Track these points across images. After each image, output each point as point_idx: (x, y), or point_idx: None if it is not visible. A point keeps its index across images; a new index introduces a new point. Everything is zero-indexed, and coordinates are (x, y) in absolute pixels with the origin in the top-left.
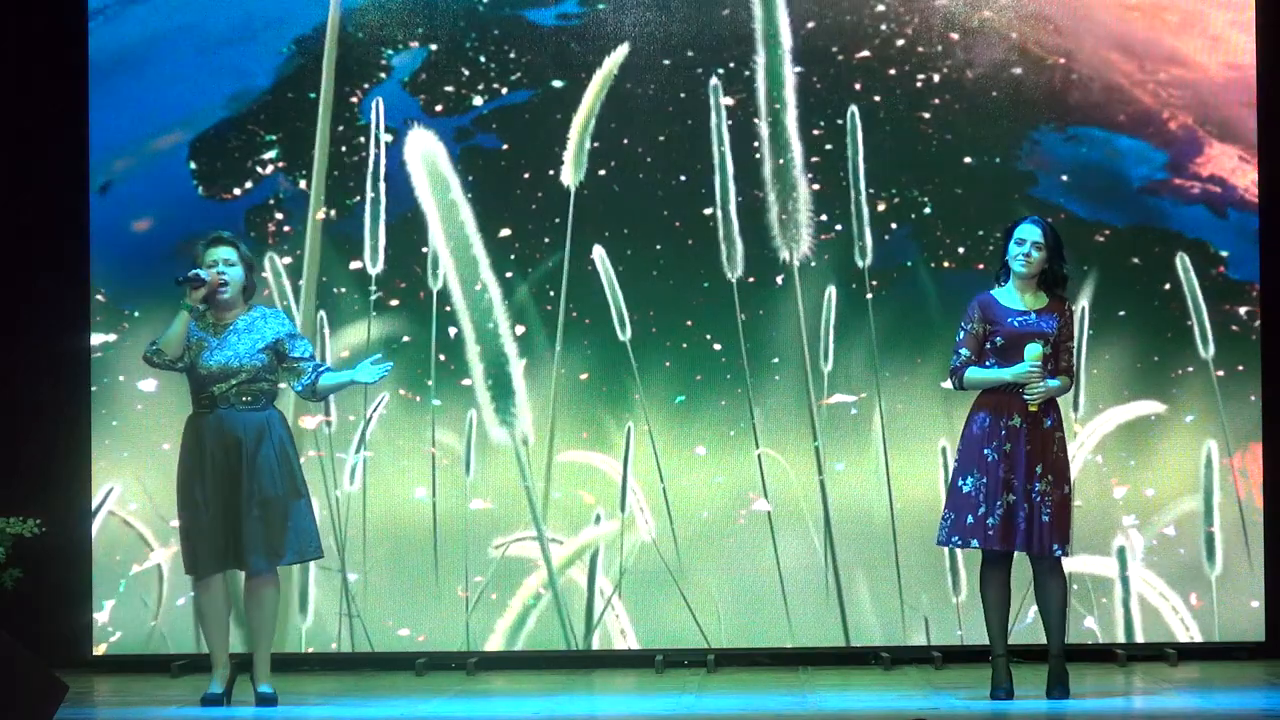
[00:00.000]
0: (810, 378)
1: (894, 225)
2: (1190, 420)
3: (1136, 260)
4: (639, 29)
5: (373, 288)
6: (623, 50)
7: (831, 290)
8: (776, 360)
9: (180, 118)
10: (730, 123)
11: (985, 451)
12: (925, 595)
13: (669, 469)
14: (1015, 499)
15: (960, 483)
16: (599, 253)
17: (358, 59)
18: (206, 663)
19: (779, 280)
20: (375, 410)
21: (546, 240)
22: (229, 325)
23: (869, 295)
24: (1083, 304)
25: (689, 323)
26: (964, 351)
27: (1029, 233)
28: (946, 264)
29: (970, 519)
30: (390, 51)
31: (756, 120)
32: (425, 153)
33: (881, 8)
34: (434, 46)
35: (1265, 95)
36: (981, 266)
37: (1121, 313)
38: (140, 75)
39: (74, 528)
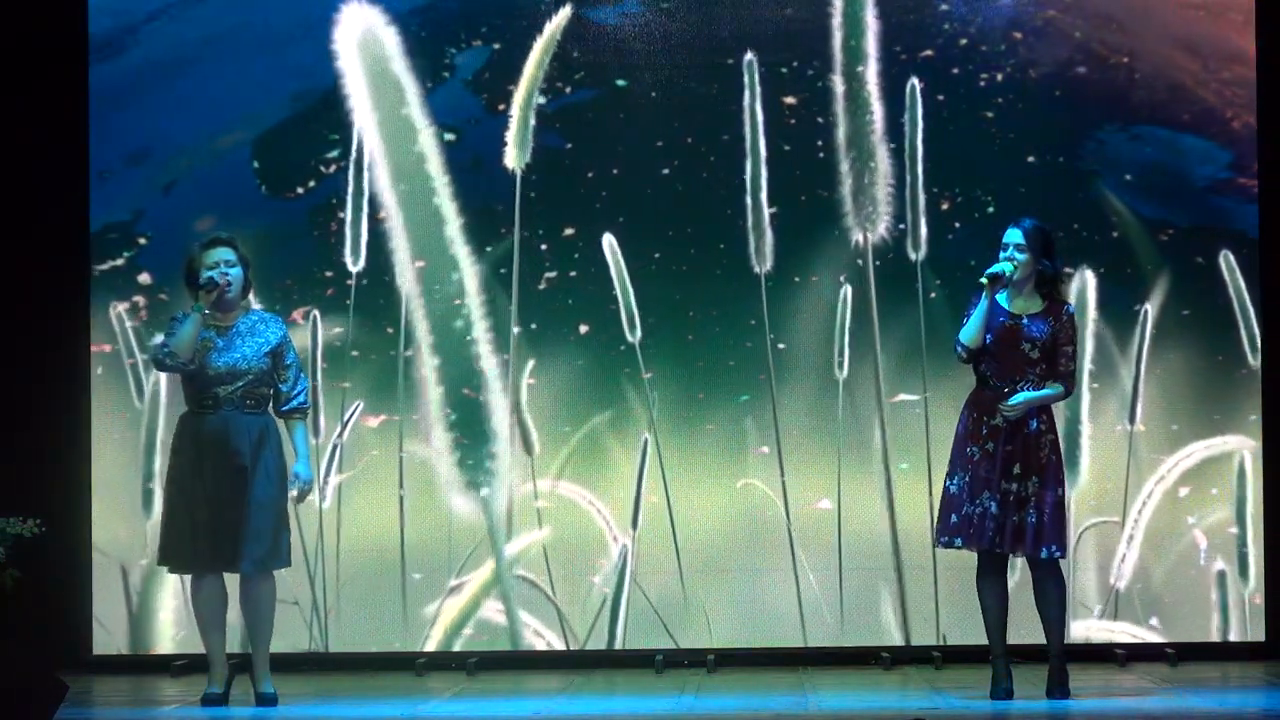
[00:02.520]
0: (880, 378)
1: (957, 224)
2: (1253, 420)
3: (1201, 260)
4: (703, 26)
5: (351, 283)
6: (565, 13)
7: (847, 290)
8: (797, 356)
9: (243, 116)
10: (795, 102)
11: (969, 450)
12: (943, 606)
13: (683, 473)
14: (989, 497)
15: (948, 482)
16: (609, 242)
17: (422, 58)
18: (206, 663)
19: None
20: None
21: (610, 239)
22: (231, 326)
23: (932, 294)
24: (1147, 306)
25: (717, 318)
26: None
27: (1010, 236)
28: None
29: (955, 518)
30: (454, 50)
31: (831, 76)
32: (365, 38)
33: (945, 7)
34: (497, 45)
35: (1265, 94)
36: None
37: (1185, 312)
38: (203, 74)
39: (74, 528)
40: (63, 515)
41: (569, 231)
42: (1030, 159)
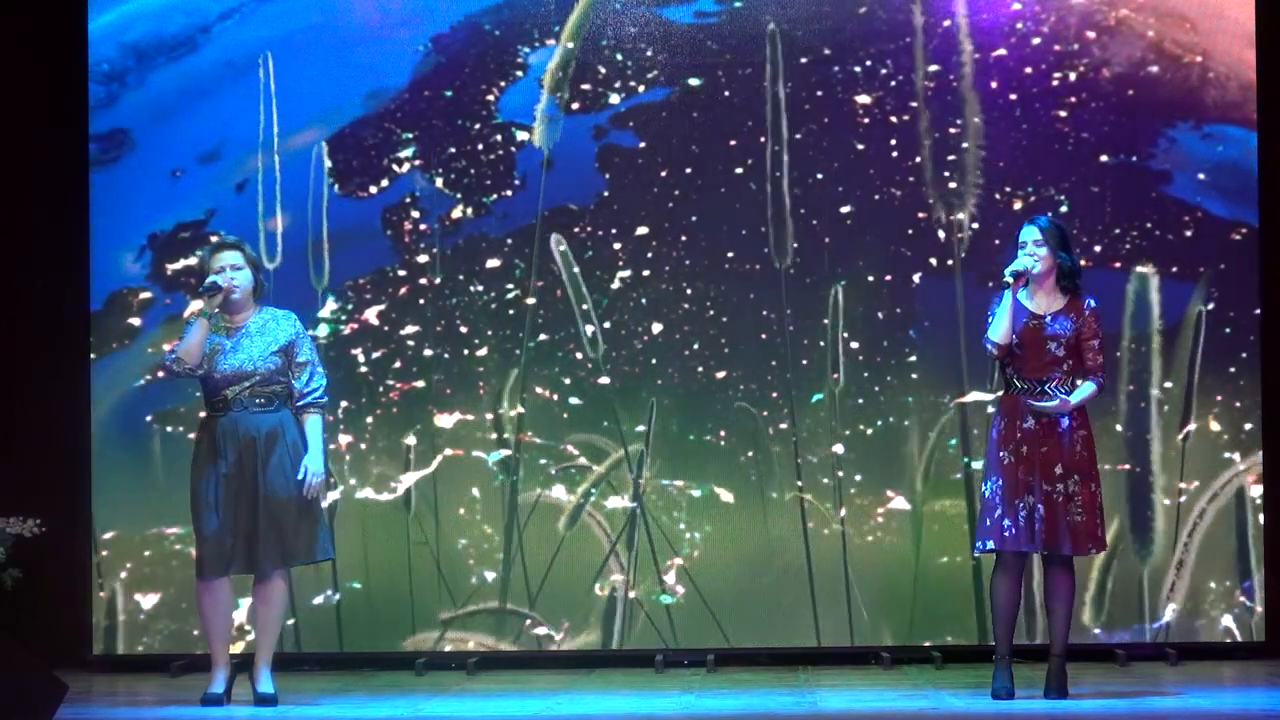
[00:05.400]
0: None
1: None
2: None
3: (1275, 259)
4: (777, 25)
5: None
6: None
7: (838, 289)
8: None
9: (316, 116)
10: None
11: (1001, 454)
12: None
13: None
14: (1034, 500)
15: (984, 488)
16: (556, 241)
17: (494, 57)
18: (206, 663)
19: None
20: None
21: (684, 239)
22: (240, 328)
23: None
24: (1210, 306)
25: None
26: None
27: (1027, 234)
28: (1083, 262)
29: (989, 521)
30: (527, 49)
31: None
32: None
33: (1018, 6)
34: (570, 44)
35: (1265, 91)
36: (1118, 265)
37: (1257, 311)
38: (276, 73)
39: (74, 528)
40: (63, 515)
41: (642, 231)
42: (1103, 158)
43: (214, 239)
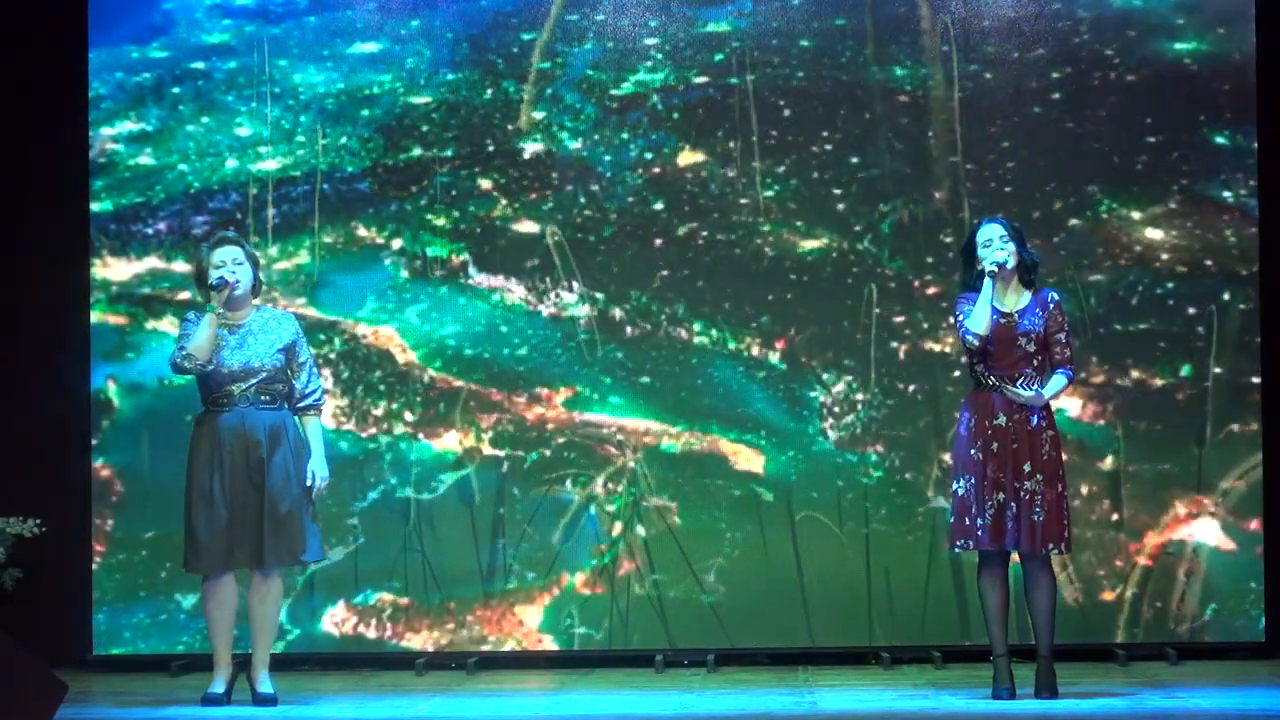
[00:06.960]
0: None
1: (1071, 222)
2: None
3: (1274, 256)
4: (817, 22)
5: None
6: None
7: (880, 289)
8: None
9: (353, 115)
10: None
11: (972, 452)
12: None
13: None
14: (1005, 498)
15: (955, 486)
16: (552, 232)
17: (532, 56)
18: (206, 663)
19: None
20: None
21: (719, 237)
22: (241, 325)
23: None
24: (1249, 306)
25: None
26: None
27: (991, 231)
28: (1122, 262)
29: (966, 520)
30: (564, 48)
31: None
32: None
33: (1057, 5)
34: (610, 44)
35: (1265, 89)
36: (1157, 265)
37: None
38: (311, 72)
39: (74, 528)
40: (63, 515)
41: (682, 231)
42: (1143, 157)
43: (215, 234)
